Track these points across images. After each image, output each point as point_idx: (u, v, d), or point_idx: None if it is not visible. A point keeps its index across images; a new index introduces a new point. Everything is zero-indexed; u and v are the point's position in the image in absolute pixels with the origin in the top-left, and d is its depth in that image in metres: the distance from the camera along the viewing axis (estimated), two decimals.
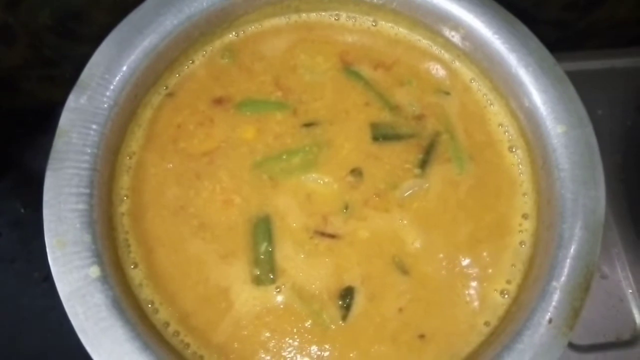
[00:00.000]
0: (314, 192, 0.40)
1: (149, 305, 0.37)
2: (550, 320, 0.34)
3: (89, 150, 0.36)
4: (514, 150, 0.42)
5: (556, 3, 0.65)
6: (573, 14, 0.66)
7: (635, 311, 0.52)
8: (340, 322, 0.37)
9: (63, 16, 0.59)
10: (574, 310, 0.34)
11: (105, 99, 0.38)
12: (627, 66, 0.62)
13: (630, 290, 0.53)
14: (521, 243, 0.40)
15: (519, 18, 0.65)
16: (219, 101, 0.43)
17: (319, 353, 0.37)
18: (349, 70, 0.44)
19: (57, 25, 0.59)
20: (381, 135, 0.42)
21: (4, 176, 0.60)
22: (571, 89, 0.38)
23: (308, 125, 0.42)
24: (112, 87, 0.38)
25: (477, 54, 0.41)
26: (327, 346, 0.37)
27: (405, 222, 0.40)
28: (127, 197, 0.40)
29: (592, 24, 0.66)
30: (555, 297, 0.35)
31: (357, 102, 0.43)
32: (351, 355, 0.37)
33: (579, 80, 0.59)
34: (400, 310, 0.38)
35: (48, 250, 0.34)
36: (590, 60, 0.61)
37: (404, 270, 0.39)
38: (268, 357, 0.37)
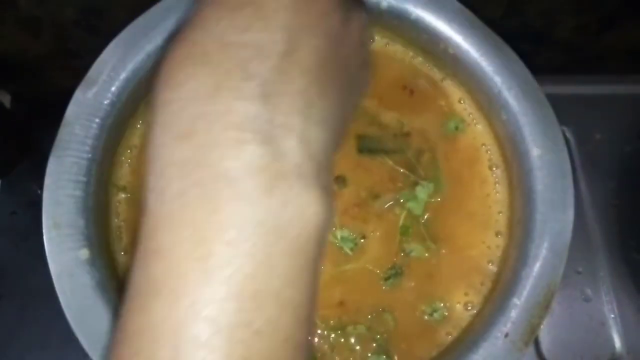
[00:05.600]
0: None
1: None
2: (506, 335, 0.35)
3: (90, 142, 0.39)
4: (493, 169, 0.43)
5: (568, 24, 0.65)
6: (584, 36, 0.66)
7: (615, 336, 0.52)
8: None
9: (87, 11, 0.62)
10: (531, 327, 0.36)
11: (109, 95, 0.41)
12: (634, 93, 0.62)
13: (613, 315, 0.53)
14: (490, 260, 0.41)
15: (529, 38, 0.65)
16: None
17: None
18: None
19: (81, 20, 0.62)
20: (366, 147, 0.43)
21: (23, 159, 0.63)
22: (550, 113, 0.39)
23: None
24: (116, 84, 0.41)
25: (465, 75, 0.43)
26: None
27: (378, 233, 0.42)
28: (125, 187, 0.43)
29: (603, 48, 0.66)
30: (514, 313, 0.36)
31: None
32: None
33: (582, 104, 0.60)
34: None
35: (44, 230, 0.37)
36: (596, 84, 0.61)
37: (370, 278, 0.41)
38: None
